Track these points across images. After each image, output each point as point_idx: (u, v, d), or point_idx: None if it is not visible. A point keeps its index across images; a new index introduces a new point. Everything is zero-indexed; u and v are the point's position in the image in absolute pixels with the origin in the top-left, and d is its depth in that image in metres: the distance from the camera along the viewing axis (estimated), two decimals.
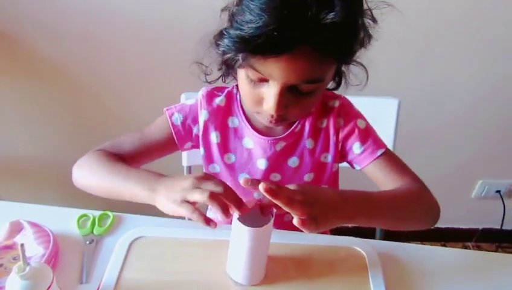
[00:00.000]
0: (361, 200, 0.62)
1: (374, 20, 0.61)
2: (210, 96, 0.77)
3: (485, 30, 1.24)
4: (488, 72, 1.34)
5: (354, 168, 0.80)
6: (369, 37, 0.62)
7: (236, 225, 0.59)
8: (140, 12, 1.20)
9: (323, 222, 0.55)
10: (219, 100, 0.77)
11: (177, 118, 0.77)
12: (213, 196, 0.54)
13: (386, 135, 1.01)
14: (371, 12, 0.61)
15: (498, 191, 1.62)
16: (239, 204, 0.56)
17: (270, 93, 0.60)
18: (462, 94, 1.38)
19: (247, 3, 0.55)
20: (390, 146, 1.02)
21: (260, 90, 0.62)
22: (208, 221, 0.56)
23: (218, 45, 0.60)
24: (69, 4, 1.19)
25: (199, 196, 0.54)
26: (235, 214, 0.58)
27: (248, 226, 0.58)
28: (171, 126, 0.77)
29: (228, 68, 0.68)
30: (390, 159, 0.75)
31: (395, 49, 1.27)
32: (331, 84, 0.71)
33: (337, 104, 0.76)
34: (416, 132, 1.42)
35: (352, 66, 0.68)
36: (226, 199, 0.55)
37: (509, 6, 1.20)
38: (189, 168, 1.06)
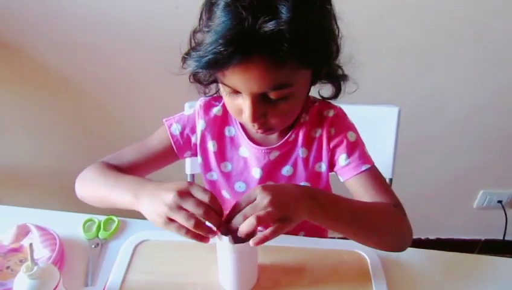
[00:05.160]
0: (326, 198, 0.63)
1: (335, 19, 0.63)
2: (207, 106, 0.79)
3: (485, 39, 1.26)
4: (490, 81, 1.35)
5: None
6: (335, 40, 0.63)
7: (221, 241, 0.59)
8: (144, 23, 1.23)
9: (293, 220, 0.56)
10: (216, 110, 0.79)
11: (176, 128, 0.79)
12: (198, 225, 0.55)
13: (386, 143, 1.02)
14: (334, 14, 0.62)
15: (500, 201, 1.62)
16: (218, 225, 0.57)
17: (244, 104, 0.63)
18: (463, 103, 1.39)
19: (205, 26, 0.59)
20: (390, 154, 1.03)
21: (237, 102, 0.65)
22: (198, 237, 0.57)
23: (184, 68, 0.63)
24: (74, 16, 1.22)
25: (184, 221, 0.55)
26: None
27: (233, 234, 0.58)
28: (170, 136, 0.79)
29: (201, 84, 0.72)
30: (374, 177, 0.75)
31: (395, 58, 1.29)
32: (330, 93, 0.73)
33: (331, 113, 0.77)
34: (417, 140, 1.42)
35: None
36: (207, 219, 0.56)
37: (509, 14, 1.22)
38: (193, 176, 1.07)
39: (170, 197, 0.56)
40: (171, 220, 0.56)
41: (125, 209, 0.72)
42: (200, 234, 0.56)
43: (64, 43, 1.27)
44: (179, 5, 1.19)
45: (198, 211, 0.55)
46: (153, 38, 1.25)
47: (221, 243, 0.60)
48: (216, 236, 0.59)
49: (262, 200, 0.55)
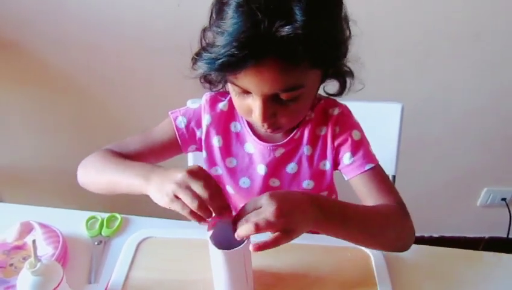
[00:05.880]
0: (332, 208, 0.63)
1: (347, 22, 0.63)
2: (213, 101, 0.79)
3: (487, 37, 1.26)
4: (493, 78, 1.34)
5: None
6: (345, 41, 0.63)
7: (210, 246, 0.58)
8: (145, 20, 1.23)
9: (296, 232, 0.56)
10: (222, 105, 0.79)
11: (181, 121, 0.79)
12: (201, 207, 0.55)
13: (390, 140, 1.01)
14: (346, 15, 0.62)
15: (504, 199, 1.61)
16: (220, 213, 0.57)
17: (254, 104, 0.63)
18: (467, 100, 1.38)
19: (215, 26, 0.58)
20: (394, 151, 1.03)
21: (247, 102, 0.65)
22: (199, 219, 0.57)
23: (194, 69, 0.63)
24: (75, 14, 1.22)
25: (189, 201, 0.55)
26: (209, 233, 0.59)
27: (227, 238, 0.57)
28: (175, 129, 0.79)
29: (211, 85, 0.72)
30: (378, 176, 0.74)
31: (399, 54, 1.29)
32: (336, 90, 0.72)
33: (336, 112, 0.77)
34: (420, 137, 1.42)
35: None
36: (210, 205, 0.56)
37: (511, 14, 1.22)
38: None
39: (180, 175, 0.56)
40: (177, 198, 0.56)
41: (128, 205, 0.72)
42: (199, 216, 0.56)
43: (65, 42, 1.27)
44: (181, 2, 1.19)
45: (203, 194, 0.55)
46: (154, 36, 1.25)
47: (212, 250, 0.59)
48: (208, 243, 0.59)
49: (267, 208, 0.55)
